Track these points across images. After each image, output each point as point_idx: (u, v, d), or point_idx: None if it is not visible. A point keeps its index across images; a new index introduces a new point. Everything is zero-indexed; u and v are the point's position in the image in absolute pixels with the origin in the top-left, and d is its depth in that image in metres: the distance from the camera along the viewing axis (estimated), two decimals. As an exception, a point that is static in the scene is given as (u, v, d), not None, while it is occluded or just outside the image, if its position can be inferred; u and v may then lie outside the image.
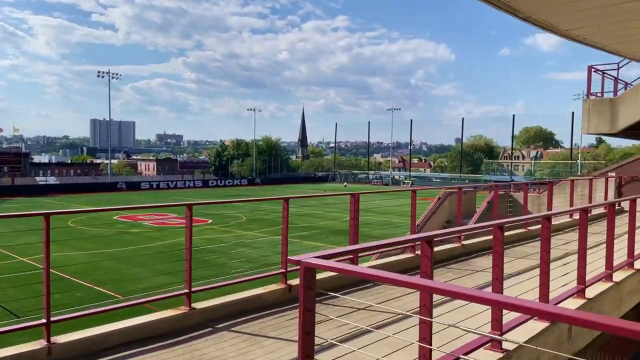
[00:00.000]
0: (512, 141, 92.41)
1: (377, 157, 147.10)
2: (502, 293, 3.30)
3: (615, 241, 5.67)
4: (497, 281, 3.26)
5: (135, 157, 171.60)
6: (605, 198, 11.04)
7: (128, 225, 35.05)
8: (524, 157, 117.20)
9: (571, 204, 10.10)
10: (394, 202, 55.02)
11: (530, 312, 1.65)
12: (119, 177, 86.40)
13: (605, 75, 12.34)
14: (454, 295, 1.79)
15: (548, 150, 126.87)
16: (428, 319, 2.68)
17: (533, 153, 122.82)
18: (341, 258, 6.92)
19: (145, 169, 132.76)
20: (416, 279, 1.78)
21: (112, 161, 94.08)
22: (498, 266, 3.29)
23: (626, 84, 12.38)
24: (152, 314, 5.22)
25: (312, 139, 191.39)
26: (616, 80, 12.09)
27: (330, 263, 1.74)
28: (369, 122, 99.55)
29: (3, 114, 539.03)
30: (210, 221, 36.84)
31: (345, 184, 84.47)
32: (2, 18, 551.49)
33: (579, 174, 72.93)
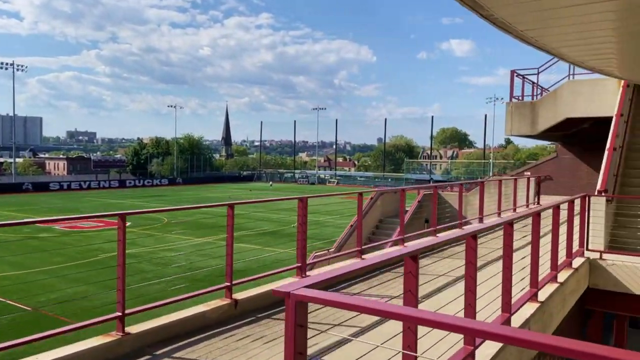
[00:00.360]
0: (431, 142, 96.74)
1: (303, 156, 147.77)
2: (474, 303, 3.17)
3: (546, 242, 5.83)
4: (471, 293, 3.11)
5: (42, 156, 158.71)
6: (527, 195, 11.68)
7: (36, 229, 32.14)
8: (441, 157, 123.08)
9: (499, 204, 10.53)
10: (318, 201, 55.28)
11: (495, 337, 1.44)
12: (24, 177, 79.32)
13: (526, 79, 13.08)
14: (446, 327, 1.55)
15: (463, 150, 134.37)
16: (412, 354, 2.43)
17: (449, 153, 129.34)
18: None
19: (55, 169, 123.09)
20: (427, 314, 1.52)
21: (17, 160, 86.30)
22: (471, 277, 3.14)
23: (542, 89, 13.15)
24: (80, 343, 4.48)
25: (236, 137, 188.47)
26: (535, 84, 12.81)
27: (331, 296, 1.44)
28: (294, 121, 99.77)
29: None
30: (129, 224, 34.73)
31: (270, 183, 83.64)
32: None
33: (491, 173, 77.80)
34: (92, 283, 18.33)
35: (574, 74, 12.06)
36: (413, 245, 7.48)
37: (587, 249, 6.68)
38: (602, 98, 10.07)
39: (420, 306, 4.66)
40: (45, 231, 31.29)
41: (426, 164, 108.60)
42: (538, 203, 12.44)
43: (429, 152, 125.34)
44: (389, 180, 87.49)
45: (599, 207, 7.28)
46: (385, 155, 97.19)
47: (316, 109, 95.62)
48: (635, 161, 9.73)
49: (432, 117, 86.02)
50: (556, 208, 5.11)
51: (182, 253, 24.43)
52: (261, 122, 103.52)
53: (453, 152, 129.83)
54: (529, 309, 4.77)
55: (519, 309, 4.44)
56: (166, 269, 20.91)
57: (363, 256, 6.34)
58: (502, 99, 73.19)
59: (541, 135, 12.08)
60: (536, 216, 4.90)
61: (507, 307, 4.04)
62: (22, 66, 67.61)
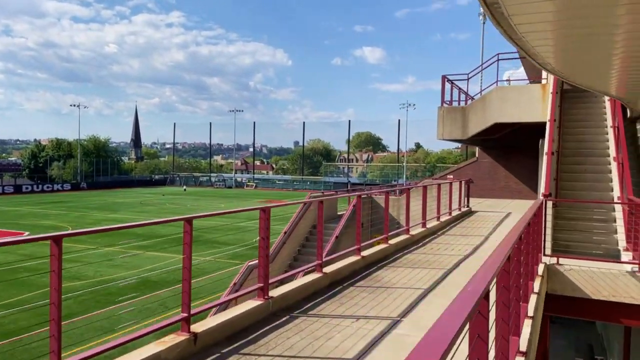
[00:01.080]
0: (348, 145, 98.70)
1: (218, 159, 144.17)
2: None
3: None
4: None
5: None
6: (460, 198, 11.86)
7: None
8: (357, 160, 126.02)
9: (438, 208, 10.51)
10: (237, 206, 53.97)
11: None
12: None
13: (454, 85, 13.34)
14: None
15: (377, 154, 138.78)
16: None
17: (365, 156, 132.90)
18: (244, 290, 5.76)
19: None
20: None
21: None
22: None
23: (468, 97, 13.52)
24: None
25: (146, 139, 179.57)
26: (461, 91, 13.13)
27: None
28: (210, 123, 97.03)
29: None
30: (26, 234, 31.34)
31: (184, 187, 79.94)
32: None
33: (404, 176, 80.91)
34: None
35: (499, 81, 12.53)
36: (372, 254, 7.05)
37: (545, 254, 6.70)
38: (529, 104, 10.45)
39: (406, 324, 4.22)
40: None
41: (343, 167, 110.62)
42: (467, 206, 12.70)
43: (345, 155, 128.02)
44: (308, 183, 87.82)
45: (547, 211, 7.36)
46: (303, 159, 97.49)
47: (233, 110, 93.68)
48: (567, 165, 10.21)
49: (350, 121, 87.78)
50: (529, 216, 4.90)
51: (90, 262, 22.29)
52: (174, 124, 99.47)
53: (368, 155, 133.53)
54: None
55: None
56: (73, 282, 18.87)
57: (323, 270, 5.74)
58: (414, 105, 76.55)
59: (471, 140, 12.35)
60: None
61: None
62: None
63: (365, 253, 6.78)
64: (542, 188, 8.49)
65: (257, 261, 10.54)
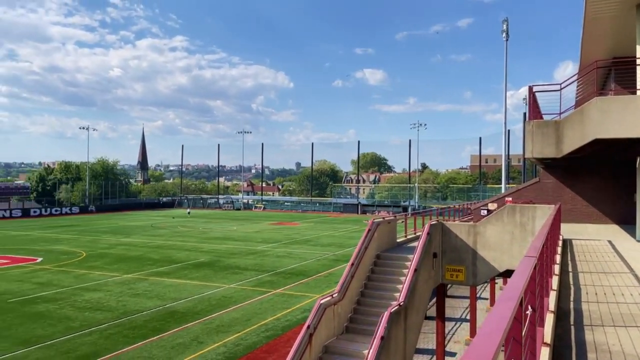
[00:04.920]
0: (358, 166, 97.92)
1: (222, 181, 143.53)
2: None
3: None
4: None
5: None
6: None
7: None
8: (364, 181, 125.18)
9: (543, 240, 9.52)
10: (249, 229, 52.91)
11: None
12: None
13: (541, 96, 12.25)
14: None
15: (384, 175, 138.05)
16: None
17: (372, 177, 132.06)
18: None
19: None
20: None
21: None
22: None
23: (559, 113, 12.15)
24: None
25: (150, 162, 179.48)
26: (531, 104, 12.01)
27: None
28: (218, 145, 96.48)
29: None
30: (39, 260, 30.40)
31: (188, 211, 77.73)
32: None
33: (416, 197, 79.81)
34: (2, 338, 15.01)
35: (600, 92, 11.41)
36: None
37: None
38: (636, 117, 9.42)
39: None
40: None
41: (350, 188, 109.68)
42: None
43: (351, 176, 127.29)
44: (317, 204, 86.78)
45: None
46: (312, 180, 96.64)
47: (241, 132, 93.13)
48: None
49: (359, 142, 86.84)
50: None
51: (108, 291, 21.24)
52: (182, 146, 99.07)
53: (375, 176, 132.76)
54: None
55: None
56: (95, 314, 17.82)
57: None
58: (425, 125, 75.88)
59: (566, 157, 11.12)
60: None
61: None
62: None
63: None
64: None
65: (328, 299, 9.64)
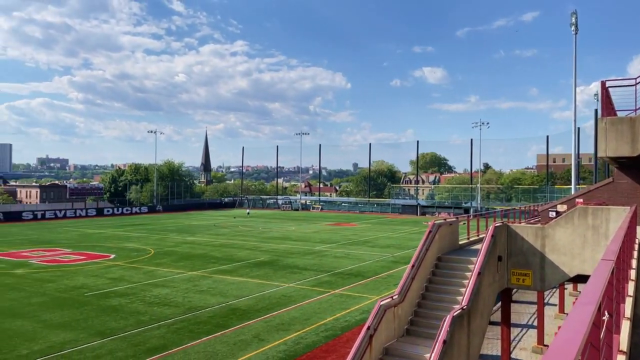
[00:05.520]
0: (417, 166, 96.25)
1: (280, 182, 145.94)
2: None
3: None
4: None
5: (13, 184, 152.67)
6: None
7: (10, 264, 29.36)
8: (423, 182, 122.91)
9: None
10: (308, 229, 53.38)
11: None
12: (-7, 207, 75.03)
13: (608, 92, 11.51)
14: None
15: (444, 175, 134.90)
16: None
17: (431, 177, 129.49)
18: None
19: (27, 197, 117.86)
20: None
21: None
22: None
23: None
24: None
25: (212, 163, 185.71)
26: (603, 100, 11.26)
27: None
28: (277, 147, 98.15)
29: None
30: (112, 256, 32.26)
31: (248, 210, 79.74)
32: None
33: (478, 198, 77.31)
34: (80, 329, 16.07)
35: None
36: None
37: None
38: None
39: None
40: (21, 267, 28.53)
41: (408, 189, 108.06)
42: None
43: (410, 177, 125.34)
44: (374, 205, 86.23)
45: None
46: (369, 180, 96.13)
47: (299, 134, 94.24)
48: None
49: (418, 142, 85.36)
50: None
51: (175, 287, 22.18)
52: (242, 148, 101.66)
53: (435, 177, 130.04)
54: None
55: None
56: (163, 309, 18.68)
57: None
58: (487, 123, 73.29)
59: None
60: None
61: None
62: (-6, 90, 64.46)
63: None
64: None
65: (388, 300, 9.60)
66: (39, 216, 64.20)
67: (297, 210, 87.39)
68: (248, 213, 74.90)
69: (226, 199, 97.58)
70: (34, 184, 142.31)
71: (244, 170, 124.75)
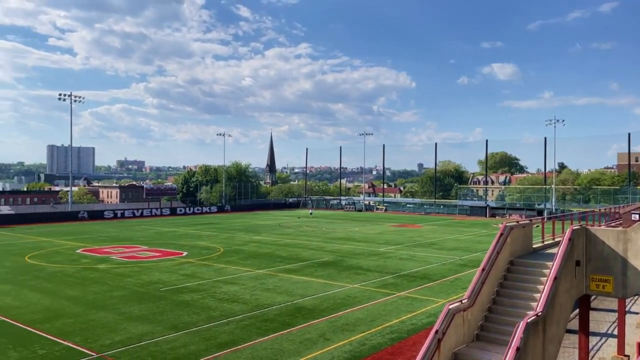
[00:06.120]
0: (486, 166, 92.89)
1: (344, 182, 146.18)
2: None
3: None
4: None
5: (96, 184, 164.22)
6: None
7: (94, 260, 31.59)
8: (492, 182, 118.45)
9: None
10: (371, 230, 53.08)
11: None
12: (80, 206, 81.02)
13: None
14: None
15: (515, 175, 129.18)
16: None
17: (501, 178, 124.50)
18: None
19: (108, 197, 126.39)
20: None
21: (72, 188, 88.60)
22: None
23: None
24: None
25: (277, 164, 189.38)
26: None
27: None
28: (340, 147, 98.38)
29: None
30: (185, 254, 33.80)
31: (310, 211, 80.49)
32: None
33: (553, 200, 73.32)
34: (156, 322, 16.97)
35: None
36: None
37: None
38: None
39: None
40: (104, 262, 30.61)
41: (477, 190, 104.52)
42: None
43: (478, 177, 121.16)
44: (441, 207, 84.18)
45: None
46: (435, 181, 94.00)
47: (362, 134, 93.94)
48: None
49: (487, 140, 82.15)
50: None
51: (242, 285, 22.87)
52: (306, 149, 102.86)
53: (506, 177, 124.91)
54: None
55: None
56: (232, 305, 19.32)
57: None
58: (563, 121, 69.33)
59: None
60: None
61: None
62: (79, 97, 69.57)
63: None
64: None
65: (457, 304, 9.40)
66: (119, 215, 68.59)
67: (360, 211, 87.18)
68: (310, 213, 75.68)
69: (290, 200, 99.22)
70: (114, 184, 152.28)
71: (308, 171, 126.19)
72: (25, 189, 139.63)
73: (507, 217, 70.71)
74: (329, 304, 19.67)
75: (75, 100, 68.88)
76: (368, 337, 15.31)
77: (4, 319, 17.57)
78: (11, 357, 13.61)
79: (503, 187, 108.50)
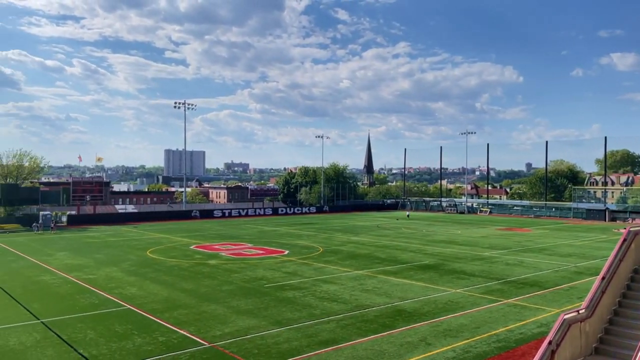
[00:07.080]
0: (605, 166, 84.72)
1: (444, 184, 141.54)
2: None
3: None
4: None
5: (206, 185, 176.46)
6: None
7: (205, 255, 33.95)
8: (613, 183, 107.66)
9: None
10: (475, 233, 50.84)
11: None
12: (192, 205, 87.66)
13: None
14: None
15: (639, 176, 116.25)
16: None
17: (623, 179, 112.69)
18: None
19: (217, 197, 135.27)
20: None
21: (186, 189, 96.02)
22: None
23: None
24: None
25: (375, 165, 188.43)
26: None
27: None
28: (440, 147, 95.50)
29: (86, 145, 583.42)
30: (286, 252, 35.02)
31: (408, 213, 78.86)
32: (85, 57, 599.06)
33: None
34: (261, 317, 17.79)
35: None
36: None
37: None
38: None
39: None
40: (214, 258, 32.77)
41: (594, 192, 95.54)
42: None
43: (596, 177, 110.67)
44: (552, 209, 78.25)
45: None
46: (546, 182, 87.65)
47: (464, 133, 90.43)
48: None
49: (605, 137, 74.77)
50: None
51: (341, 285, 23.14)
52: (405, 149, 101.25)
53: (628, 177, 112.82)
54: None
55: None
56: (332, 304, 19.66)
57: None
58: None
59: None
60: None
61: None
62: (192, 105, 75.28)
63: None
64: None
65: (573, 314, 8.77)
66: (227, 214, 73.08)
67: (462, 213, 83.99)
68: (408, 216, 74.35)
69: (388, 201, 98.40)
70: (222, 185, 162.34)
71: (406, 172, 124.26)
72: (146, 190, 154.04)
73: (630, 222, 63.91)
74: (430, 307, 19.22)
75: (188, 108, 74.64)
76: (472, 344, 14.72)
77: (131, 307, 19.52)
78: (136, 342, 15.08)
79: (625, 188, 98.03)
